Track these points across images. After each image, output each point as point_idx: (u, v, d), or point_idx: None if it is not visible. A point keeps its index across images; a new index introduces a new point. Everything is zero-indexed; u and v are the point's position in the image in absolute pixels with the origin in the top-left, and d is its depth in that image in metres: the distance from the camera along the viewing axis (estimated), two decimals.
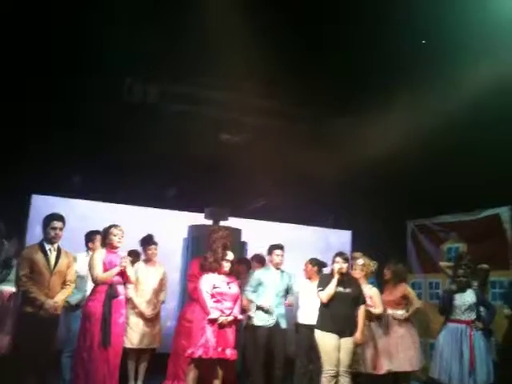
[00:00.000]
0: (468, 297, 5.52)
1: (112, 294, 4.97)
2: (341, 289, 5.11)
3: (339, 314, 5.04)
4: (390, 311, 5.82)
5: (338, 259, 5.18)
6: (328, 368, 5.00)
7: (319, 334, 5.10)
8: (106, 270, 4.97)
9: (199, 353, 4.90)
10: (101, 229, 5.26)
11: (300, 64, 6.01)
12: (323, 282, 5.20)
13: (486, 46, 5.48)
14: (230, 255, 5.28)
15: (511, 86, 5.55)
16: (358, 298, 5.19)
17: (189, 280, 5.64)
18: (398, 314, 5.79)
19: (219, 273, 5.22)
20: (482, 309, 5.55)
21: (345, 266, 5.17)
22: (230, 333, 5.11)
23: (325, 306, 5.12)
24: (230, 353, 5.03)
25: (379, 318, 5.70)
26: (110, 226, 5.13)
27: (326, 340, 5.03)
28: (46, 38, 5.63)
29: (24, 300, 4.84)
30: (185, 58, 5.99)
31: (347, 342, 5.02)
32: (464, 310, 5.49)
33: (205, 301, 5.07)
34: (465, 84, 5.81)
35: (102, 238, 5.23)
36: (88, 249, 5.68)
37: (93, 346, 4.83)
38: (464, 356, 5.35)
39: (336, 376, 4.99)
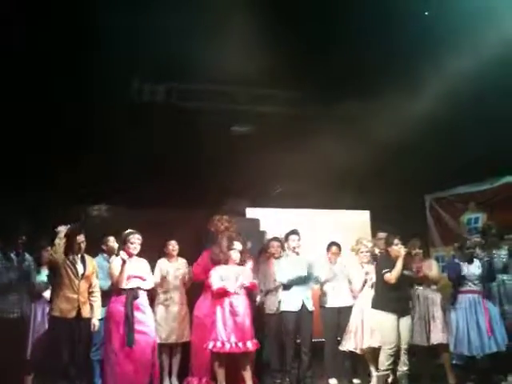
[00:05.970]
0: (476, 267, 5.59)
1: (134, 296, 5.05)
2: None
3: (401, 294, 5.17)
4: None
5: (397, 241, 5.20)
6: (387, 347, 5.08)
7: (380, 315, 5.16)
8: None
9: (218, 345, 4.97)
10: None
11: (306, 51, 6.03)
12: (385, 264, 5.21)
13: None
14: (238, 245, 5.32)
15: None
16: (414, 279, 5.37)
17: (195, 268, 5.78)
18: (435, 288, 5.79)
19: (228, 264, 5.28)
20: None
21: (403, 247, 5.19)
22: (248, 323, 5.12)
23: (387, 288, 5.14)
24: (251, 344, 5.06)
25: None
26: (129, 233, 5.18)
27: (386, 320, 5.11)
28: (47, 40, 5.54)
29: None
30: (191, 55, 5.99)
31: (406, 320, 5.14)
32: (474, 280, 5.55)
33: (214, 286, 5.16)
34: (472, 55, 5.76)
35: (121, 242, 5.25)
36: (102, 251, 5.70)
37: (119, 347, 4.88)
38: (480, 323, 5.41)
39: (394, 354, 5.08)
